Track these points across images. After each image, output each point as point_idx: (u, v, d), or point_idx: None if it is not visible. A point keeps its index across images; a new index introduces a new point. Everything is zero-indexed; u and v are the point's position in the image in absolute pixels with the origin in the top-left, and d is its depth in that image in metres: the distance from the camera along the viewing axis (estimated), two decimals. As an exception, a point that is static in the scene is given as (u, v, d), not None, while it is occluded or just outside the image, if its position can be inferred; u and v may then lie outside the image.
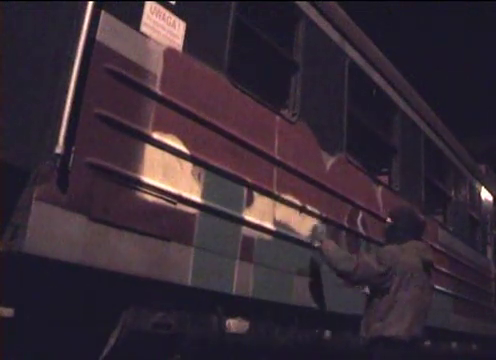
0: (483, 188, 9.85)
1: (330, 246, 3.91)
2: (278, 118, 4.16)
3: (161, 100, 3.11)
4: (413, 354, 3.45)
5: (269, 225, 3.91)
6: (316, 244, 4.02)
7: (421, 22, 13.86)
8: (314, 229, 4.32)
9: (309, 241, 4.16)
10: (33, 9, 2.52)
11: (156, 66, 3.11)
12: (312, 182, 4.45)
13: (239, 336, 3.68)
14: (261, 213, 3.84)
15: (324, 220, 4.57)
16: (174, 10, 3.27)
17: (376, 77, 5.90)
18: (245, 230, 3.68)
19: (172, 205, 3.12)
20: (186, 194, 3.22)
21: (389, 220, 3.89)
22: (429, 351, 6.67)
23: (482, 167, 10.16)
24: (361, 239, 5.21)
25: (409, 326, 3.40)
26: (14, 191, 2.45)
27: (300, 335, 4.30)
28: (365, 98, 5.92)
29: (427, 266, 3.66)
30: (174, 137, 3.17)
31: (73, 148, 2.60)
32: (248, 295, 3.65)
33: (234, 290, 3.52)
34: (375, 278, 3.51)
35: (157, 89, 3.10)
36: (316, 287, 4.31)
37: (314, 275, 4.32)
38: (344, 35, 5.26)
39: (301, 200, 4.28)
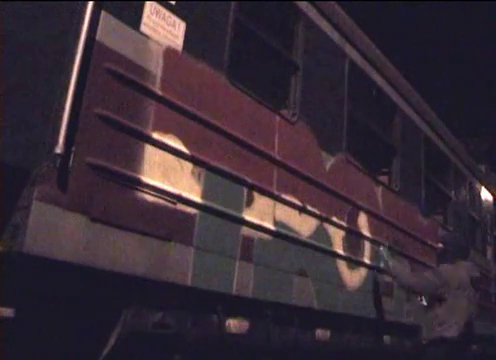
0: (483, 188, 9.85)
1: (397, 266, 4.89)
2: (278, 118, 4.16)
3: (161, 100, 3.11)
4: (461, 350, 4.28)
5: (269, 225, 3.91)
6: (382, 265, 4.96)
7: (422, 22, 13.85)
8: (379, 253, 5.15)
9: (378, 264, 5.11)
10: (33, 9, 2.52)
11: (156, 66, 3.11)
12: (312, 182, 4.45)
13: (239, 336, 3.68)
14: (261, 213, 3.84)
15: (324, 220, 4.58)
16: (174, 10, 3.27)
17: (376, 77, 5.90)
18: (245, 230, 3.68)
19: (172, 205, 3.12)
20: (186, 194, 3.22)
21: (440, 245, 4.71)
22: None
23: (482, 167, 10.16)
24: (361, 238, 5.21)
25: (462, 329, 4.18)
26: (14, 191, 2.45)
27: (300, 335, 4.30)
28: (365, 98, 5.92)
29: (474, 282, 4.44)
30: (174, 137, 3.17)
31: (73, 148, 2.60)
32: (248, 295, 3.65)
33: (234, 290, 3.52)
34: (433, 289, 4.31)
35: (157, 89, 3.10)
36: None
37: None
38: (344, 35, 5.26)
39: (301, 200, 4.28)
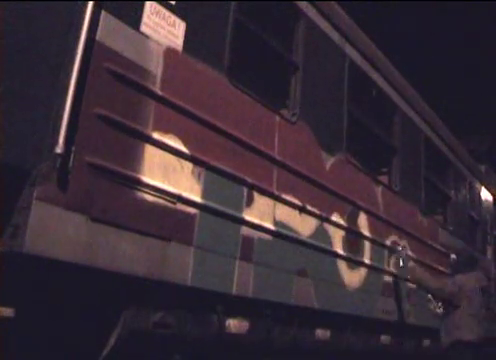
0: (483, 188, 9.85)
1: (417, 268, 5.39)
2: (278, 118, 4.16)
3: (161, 100, 3.11)
4: (481, 353, 4.78)
5: (269, 225, 3.91)
6: (401, 264, 5.41)
7: (422, 22, 13.86)
8: (398, 254, 5.62)
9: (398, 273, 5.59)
10: (33, 9, 2.52)
11: (156, 66, 3.11)
12: (312, 182, 4.45)
13: (239, 336, 3.68)
14: (261, 213, 3.84)
15: (324, 220, 4.58)
16: (174, 10, 3.27)
17: (376, 77, 5.90)
18: (245, 230, 3.68)
19: (172, 205, 3.12)
20: (186, 194, 3.22)
21: (454, 256, 5.34)
22: (430, 350, 6.69)
23: (482, 167, 10.15)
24: (361, 238, 5.21)
25: (477, 333, 4.72)
26: (14, 191, 2.45)
27: (300, 335, 4.30)
28: (365, 98, 5.92)
29: (483, 290, 5.03)
30: (174, 137, 3.17)
31: (73, 148, 2.60)
32: (248, 295, 3.65)
33: (234, 290, 3.52)
34: (451, 296, 4.84)
35: (157, 89, 3.10)
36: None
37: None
38: (344, 35, 5.26)
39: (301, 200, 4.28)
